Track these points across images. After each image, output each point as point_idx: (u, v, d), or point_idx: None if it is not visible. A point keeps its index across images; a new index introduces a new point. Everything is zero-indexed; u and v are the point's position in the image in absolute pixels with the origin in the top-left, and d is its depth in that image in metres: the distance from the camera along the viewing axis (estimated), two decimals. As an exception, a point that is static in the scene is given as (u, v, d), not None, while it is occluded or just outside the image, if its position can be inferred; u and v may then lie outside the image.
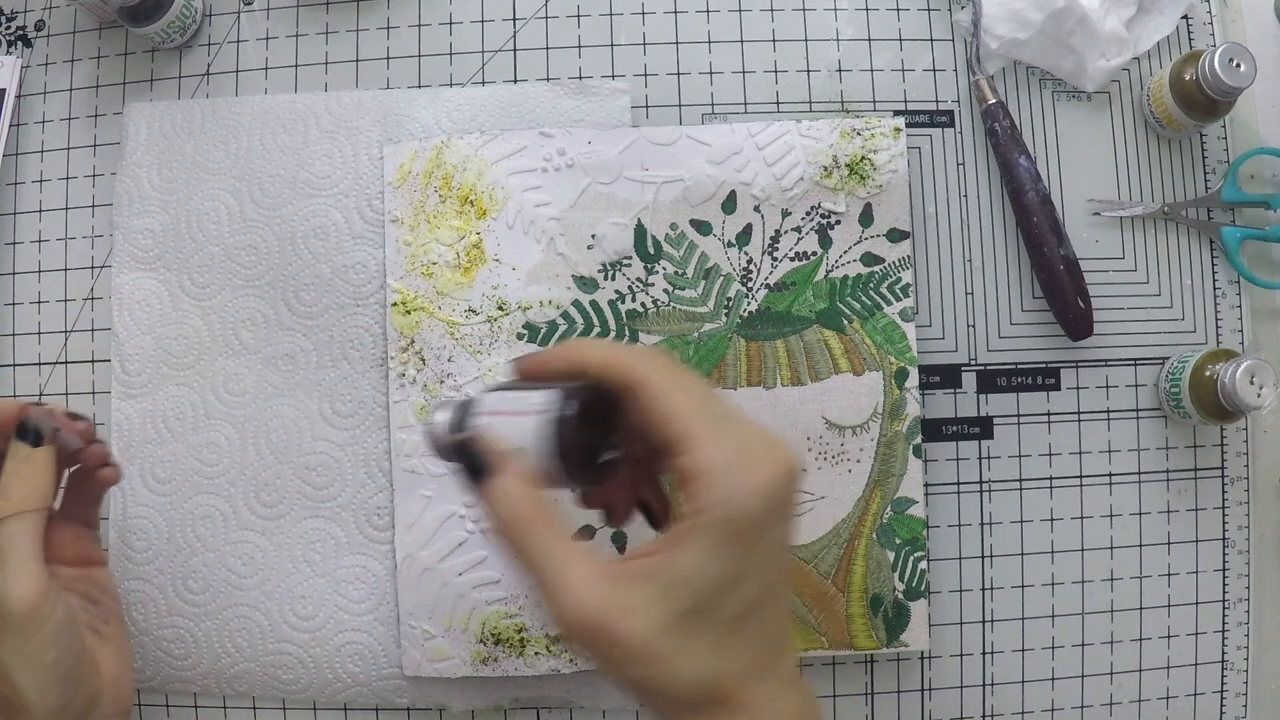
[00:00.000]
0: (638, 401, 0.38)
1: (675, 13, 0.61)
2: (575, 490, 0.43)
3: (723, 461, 0.36)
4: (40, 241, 0.61)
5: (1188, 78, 0.56)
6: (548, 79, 0.60)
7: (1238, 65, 0.55)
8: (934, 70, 0.61)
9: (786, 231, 0.58)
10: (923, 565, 0.57)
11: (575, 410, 0.38)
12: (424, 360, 0.57)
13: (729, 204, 0.58)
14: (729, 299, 0.58)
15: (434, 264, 0.57)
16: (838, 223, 0.58)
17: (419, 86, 0.61)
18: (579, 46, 0.61)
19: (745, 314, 0.58)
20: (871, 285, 0.58)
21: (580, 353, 0.40)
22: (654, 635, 0.35)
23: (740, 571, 0.36)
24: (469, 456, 0.39)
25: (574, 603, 0.36)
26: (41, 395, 0.60)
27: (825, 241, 0.58)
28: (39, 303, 0.61)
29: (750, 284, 0.58)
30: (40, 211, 0.61)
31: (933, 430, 0.59)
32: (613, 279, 0.58)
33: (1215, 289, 0.60)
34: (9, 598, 0.43)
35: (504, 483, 0.38)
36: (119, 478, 0.51)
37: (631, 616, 0.35)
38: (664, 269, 0.58)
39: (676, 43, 0.61)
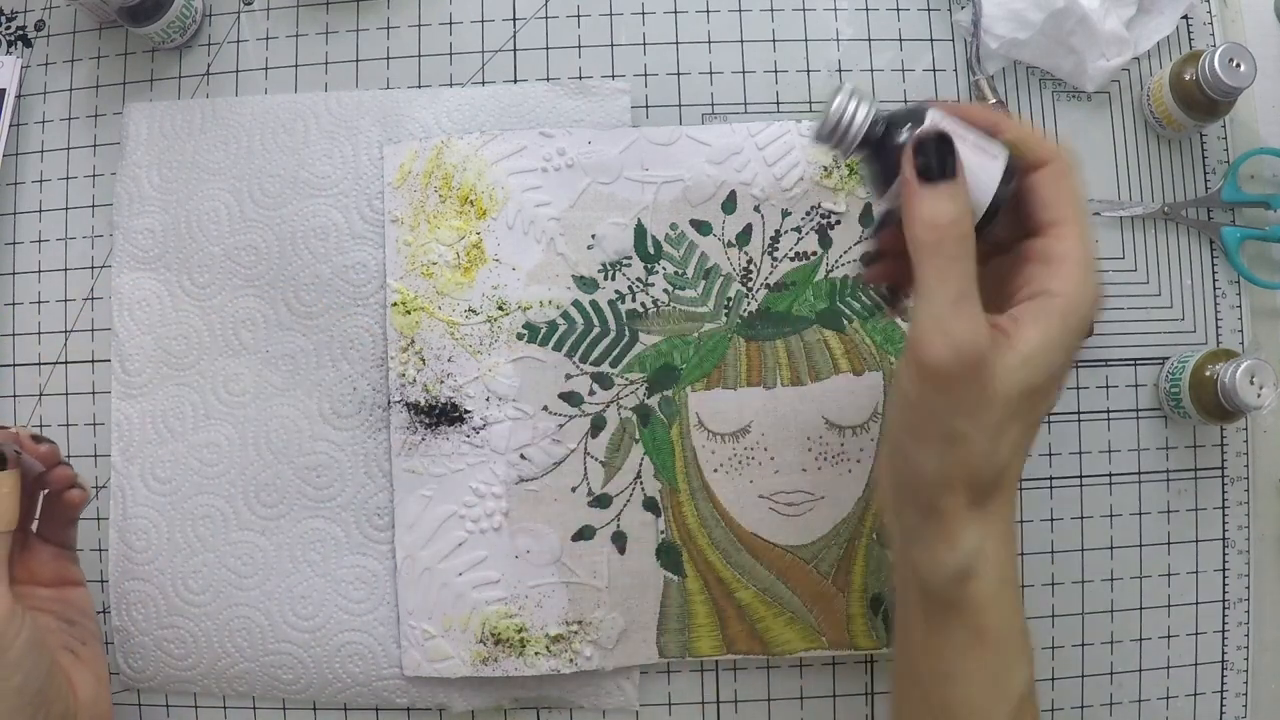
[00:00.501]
0: (1037, 178, 0.39)
1: (675, 13, 0.61)
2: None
3: (1088, 258, 0.38)
4: (40, 241, 0.61)
5: (1188, 78, 0.56)
6: (548, 79, 0.60)
7: (1238, 65, 0.55)
8: (934, 70, 0.61)
9: (786, 231, 0.58)
10: (923, 565, 0.56)
11: (1015, 168, 0.39)
12: (424, 360, 0.57)
13: (729, 204, 0.58)
14: (729, 299, 0.58)
15: (434, 264, 0.57)
16: (838, 223, 0.58)
17: (419, 86, 0.61)
18: (579, 46, 0.61)
19: (745, 314, 0.58)
20: (872, 285, 0.58)
21: (998, 119, 0.41)
22: (1008, 398, 0.36)
23: (1067, 366, 0.38)
24: (932, 154, 0.38)
25: (974, 331, 0.36)
26: (41, 395, 0.60)
27: (825, 241, 0.58)
28: (39, 303, 0.61)
29: (750, 284, 0.58)
30: (40, 211, 0.61)
31: (933, 430, 0.59)
32: (613, 279, 0.58)
33: (1215, 289, 0.60)
34: None
35: (953, 195, 0.37)
36: (87, 499, 0.51)
37: (1002, 370, 0.36)
38: (664, 269, 0.58)
39: (676, 43, 0.61)
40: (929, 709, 0.41)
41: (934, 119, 0.39)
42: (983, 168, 0.39)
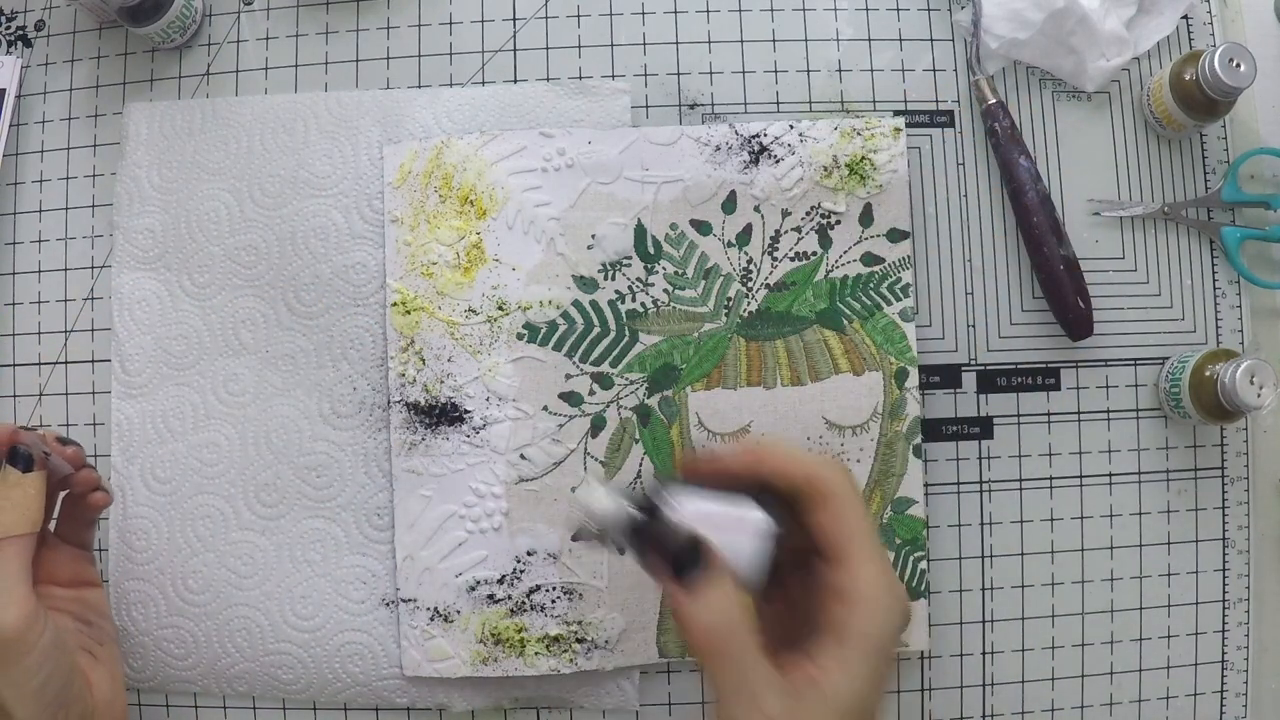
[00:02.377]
0: (819, 508, 0.39)
1: (675, 13, 0.61)
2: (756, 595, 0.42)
3: (885, 586, 0.38)
4: (40, 241, 0.61)
5: (1188, 78, 0.56)
6: (548, 79, 0.60)
7: (1238, 65, 0.55)
8: (934, 70, 0.61)
9: (786, 231, 0.58)
10: (923, 565, 0.57)
11: (780, 529, 0.39)
12: (424, 360, 0.57)
13: (729, 204, 0.58)
14: (729, 299, 0.58)
15: (434, 264, 0.57)
16: (838, 223, 0.58)
17: (419, 86, 0.61)
18: (579, 46, 0.61)
19: (745, 314, 0.58)
20: (871, 285, 0.58)
21: (759, 456, 0.41)
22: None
23: (879, 693, 0.38)
24: (682, 553, 0.39)
25: (783, 712, 0.37)
26: (41, 395, 0.60)
27: (825, 241, 0.58)
28: (39, 303, 0.61)
29: (750, 284, 0.58)
30: (40, 211, 0.61)
31: (933, 430, 0.59)
32: (613, 279, 0.58)
33: (1215, 289, 0.60)
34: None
35: (720, 594, 0.38)
36: (109, 501, 0.52)
37: None
38: (664, 269, 0.58)
39: (676, 43, 0.61)
40: None
41: (683, 511, 0.39)
42: (741, 548, 0.39)
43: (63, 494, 0.51)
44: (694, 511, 0.39)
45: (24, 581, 0.45)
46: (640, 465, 0.57)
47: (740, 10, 0.61)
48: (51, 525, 0.52)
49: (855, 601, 0.38)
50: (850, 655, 0.38)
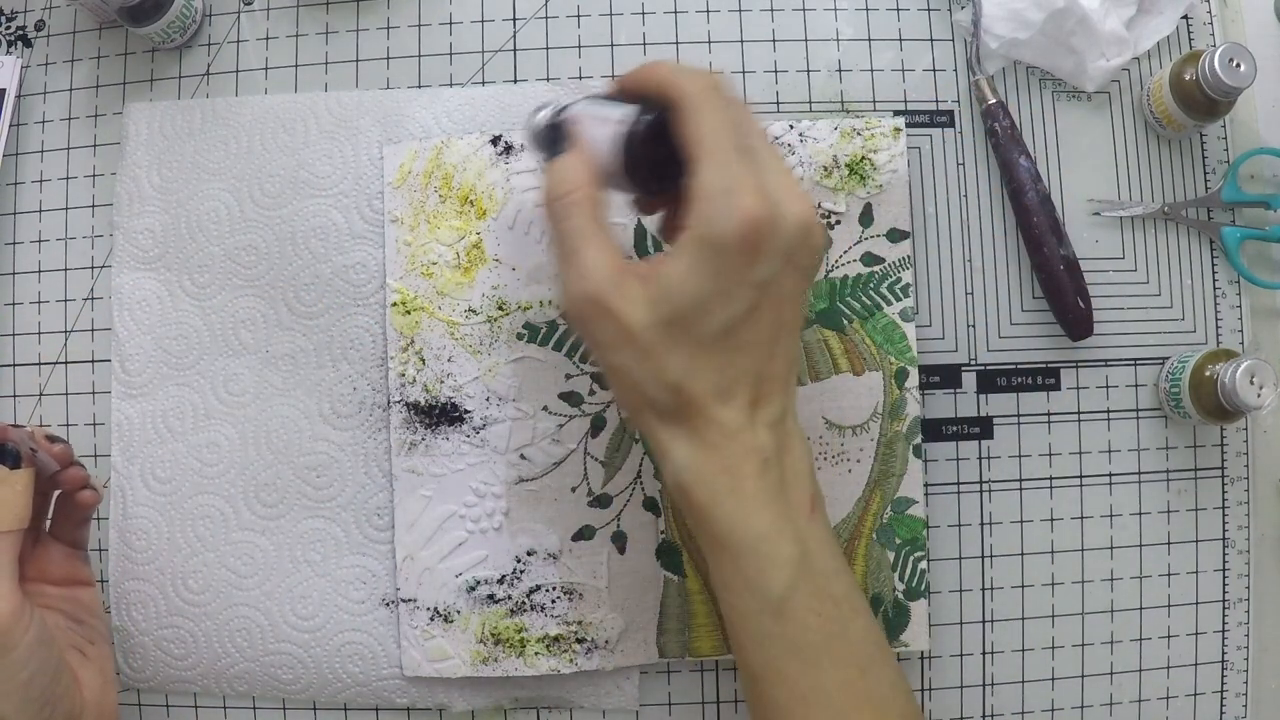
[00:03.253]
0: (676, 117, 0.42)
1: (675, 13, 0.61)
2: (635, 197, 0.48)
3: (720, 186, 0.40)
4: (40, 241, 0.61)
5: (1188, 78, 0.56)
6: (548, 79, 0.60)
7: (1238, 65, 0.55)
8: (934, 70, 0.61)
9: (786, 231, 0.58)
10: (923, 565, 0.57)
11: (644, 127, 0.43)
12: (424, 360, 0.57)
13: (729, 204, 0.58)
14: (729, 299, 0.58)
15: (434, 264, 0.57)
16: (838, 223, 0.58)
17: (419, 86, 0.61)
18: (579, 46, 0.61)
19: (745, 314, 0.58)
20: (871, 285, 0.58)
21: (648, 72, 0.44)
22: (644, 328, 0.40)
23: (718, 293, 0.40)
24: (552, 139, 0.45)
25: (588, 276, 0.41)
26: (41, 395, 0.60)
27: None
28: (39, 303, 0.61)
29: (750, 284, 0.58)
30: (40, 211, 0.61)
31: (933, 430, 0.59)
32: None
33: (1215, 289, 0.60)
34: None
35: (567, 160, 0.43)
36: (98, 500, 0.52)
37: (630, 304, 0.40)
38: (664, 269, 0.58)
39: (676, 43, 0.61)
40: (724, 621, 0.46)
41: (572, 110, 0.46)
42: (604, 137, 0.44)
43: (56, 493, 0.51)
44: (579, 111, 0.45)
45: (10, 577, 0.45)
46: (640, 465, 0.57)
47: (740, 10, 0.61)
48: (46, 525, 0.52)
49: (693, 199, 0.40)
50: (679, 246, 0.40)
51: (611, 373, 0.43)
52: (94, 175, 0.61)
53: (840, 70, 0.61)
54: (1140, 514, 0.59)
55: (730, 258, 0.39)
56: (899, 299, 0.57)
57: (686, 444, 0.42)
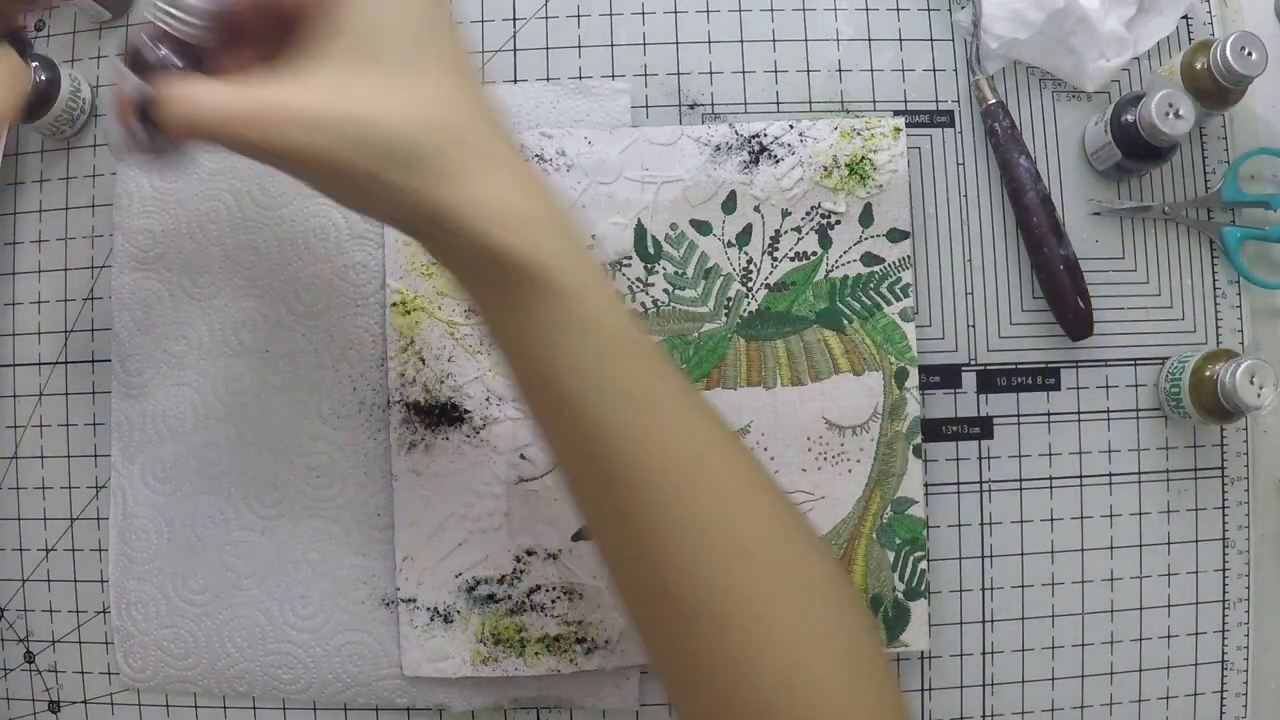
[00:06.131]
0: None
1: (675, 13, 0.61)
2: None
3: None
4: (40, 241, 0.61)
5: (1199, 66, 0.56)
6: (548, 79, 0.60)
7: (1249, 53, 0.55)
8: (934, 70, 0.61)
9: (786, 231, 0.58)
10: (923, 565, 0.57)
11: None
12: (424, 360, 0.57)
13: (729, 204, 0.58)
14: (729, 299, 0.58)
15: (434, 264, 0.57)
16: (838, 223, 0.58)
17: (419, 86, 0.61)
18: (579, 46, 0.61)
19: (745, 314, 0.58)
20: (871, 285, 0.58)
21: None
22: (316, 89, 0.36)
23: (425, 5, 0.37)
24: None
25: (299, 109, 0.36)
26: (41, 395, 0.60)
27: (825, 241, 0.58)
28: (39, 303, 0.61)
29: (750, 284, 0.58)
30: (40, 211, 0.61)
31: (933, 430, 0.59)
32: (613, 279, 0.58)
33: (1215, 289, 0.60)
34: None
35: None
36: None
37: (353, 89, 0.36)
38: (664, 269, 0.58)
39: (676, 43, 0.61)
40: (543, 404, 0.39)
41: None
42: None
43: None
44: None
45: None
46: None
47: (740, 10, 0.61)
48: None
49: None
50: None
51: (323, 164, 0.37)
52: (94, 175, 0.61)
53: (840, 70, 0.61)
54: (1140, 514, 0.59)
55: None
56: (899, 299, 0.57)
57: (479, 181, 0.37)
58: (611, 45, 0.61)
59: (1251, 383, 0.53)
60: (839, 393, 0.57)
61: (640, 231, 0.58)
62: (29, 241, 0.61)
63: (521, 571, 0.56)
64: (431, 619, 0.56)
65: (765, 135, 0.58)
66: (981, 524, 0.58)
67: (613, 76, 0.60)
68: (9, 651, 0.59)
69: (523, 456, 0.57)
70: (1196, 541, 0.59)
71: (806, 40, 0.61)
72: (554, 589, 0.56)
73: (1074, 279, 0.57)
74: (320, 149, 0.36)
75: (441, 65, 0.38)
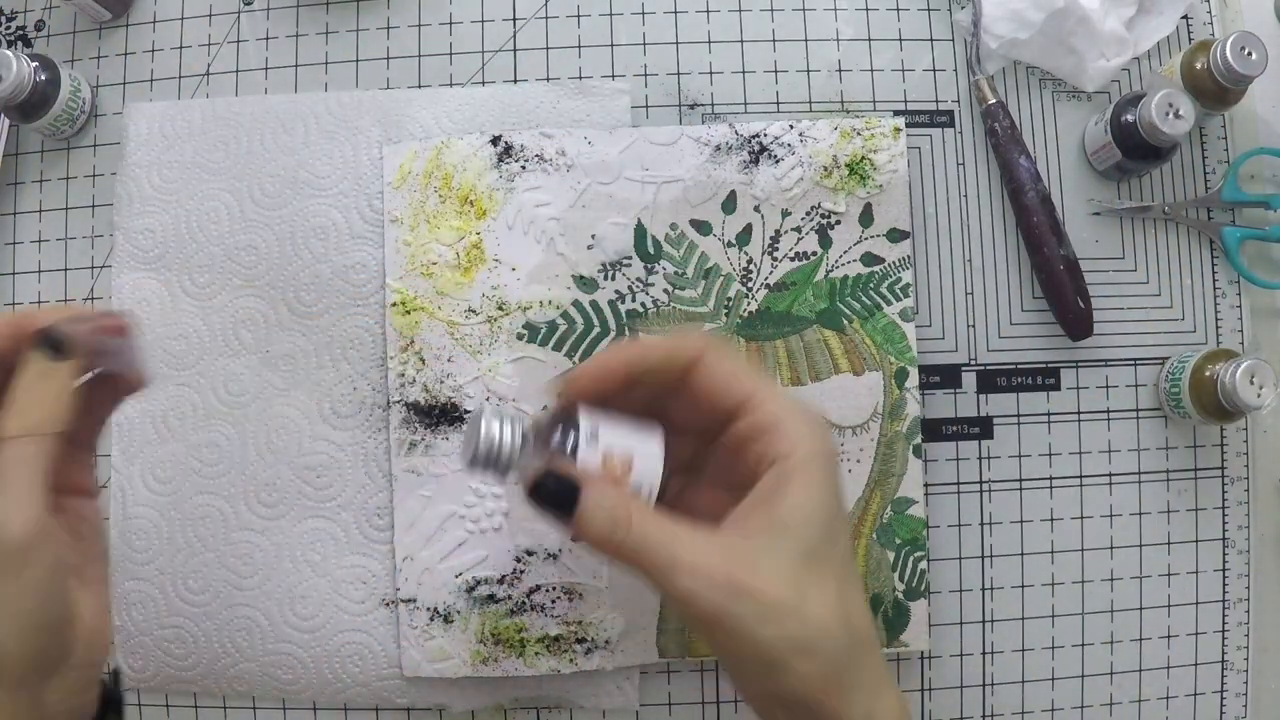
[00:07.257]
0: (700, 374, 0.40)
1: (675, 13, 0.61)
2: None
3: (791, 408, 0.38)
4: (40, 241, 0.61)
5: (1199, 66, 0.56)
6: (548, 79, 0.60)
7: (1249, 53, 0.55)
8: (934, 70, 0.61)
9: (786, 231, 0.58)
10: (923, 565, 0.57)
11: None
12: (424, 360, 0.57)
13: (729, 204, 0.58)
14: (729, 299, 0.58)
15: (434, 264, 0.57)
16: (838, 223, 0.58)
17: (419, 86, 0.61)
18: (579, 46, 0.61)
19: (745, 314, 0.58)
20: (871, 285, 0.58)
21: (634, 355, 0.41)
22: (785, 581, 0.35)
23: (838, 506, 0.38)
24: (552, 488, 0.37)
25: (701, 570, 0.35)
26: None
27: (825, 241, 0.58)
28: (39, 303, 0.61)
29: (750, 284, 0.58)
30: (40, 211, 0.61)
31: (933, 430, 0.59)
32: (613, 279, 0.58)
33: (1215, 289, 0.60)
34: (2, 527, 0.35)
35: (592, 494, 0.37)
36: (144, 385, 0.43)
37: (759, 567, 0.35)
38: (664, 269, 0.58)
39: (676, 43, 0.61)
40: None
41: (585, 429, 0.39)
42: (645, 454, 0.39)
43: (89, 374, 0.41)
44: (596, 423, 0.39)
45: (42, 487, 0.37)
46: (640, 465, 0.57)
47: (740, 10, 0.61)
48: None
49: (774, 425, 0.38)
50: (781, 474, 0.37)
51: (770, 651, 0.36)
52: (94, 175, 0.61)
53: (840, 70, 0.61)
54: (1140, 514, 0.59)
55: (833, 465, 0.37)
56: (899, 299, 0.57)
57: (867, 699, 0.37)
58: (611, 45, 0.61)
59: (1251, 383, 0.53)
60: (839, 393, 0.57)
61: (640, 231, 0.58)
62: (29, 241, 0.61)
63: (521, 571, 0.56)
64: (431, 619, 0.56)
65: (765, 135, 0.58)
66: (981, 524, 0.58)
67: (613, 76, 0.60)
68: (9, 651, 0.59)
69: (523, 456, 0.57)
70: (1196, 541, 0.59)
71: (806, 40, 0.61)
72: (554, 589, 0.56)
73: (1074, 279, 0.57)
74: (741, 622, 0.35)
75: (845, 564, 0.38)
